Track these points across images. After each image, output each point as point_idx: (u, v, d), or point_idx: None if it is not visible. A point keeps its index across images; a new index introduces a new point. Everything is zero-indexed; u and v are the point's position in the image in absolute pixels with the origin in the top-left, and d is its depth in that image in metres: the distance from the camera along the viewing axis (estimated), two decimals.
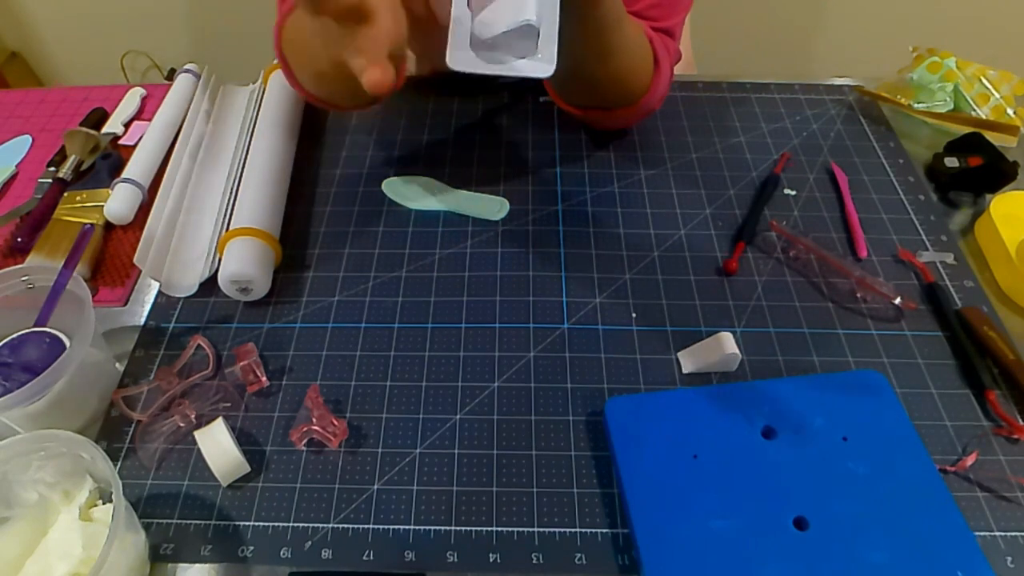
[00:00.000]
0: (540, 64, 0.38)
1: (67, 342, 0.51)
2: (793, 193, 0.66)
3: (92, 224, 0.62)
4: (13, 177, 0.70)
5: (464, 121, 0.74)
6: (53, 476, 0.44)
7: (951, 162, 0.66)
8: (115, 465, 0.45)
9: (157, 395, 0.51)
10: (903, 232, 0.62)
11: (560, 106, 0.69)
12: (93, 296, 0.54)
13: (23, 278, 0.51)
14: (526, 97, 0.76)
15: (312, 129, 0.73)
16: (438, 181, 0.66)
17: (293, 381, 0.53)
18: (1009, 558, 0.43)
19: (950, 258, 0.59)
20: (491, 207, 0.63)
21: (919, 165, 0.69)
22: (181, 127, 0.70)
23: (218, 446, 0.46)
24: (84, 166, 0.69)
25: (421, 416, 0.50)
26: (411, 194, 0.65)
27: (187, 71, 0.76)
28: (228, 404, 0.51)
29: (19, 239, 0.62)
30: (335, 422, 0.49)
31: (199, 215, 0.63)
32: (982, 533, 0.44)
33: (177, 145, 0.67)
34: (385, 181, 0.66)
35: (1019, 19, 1.33)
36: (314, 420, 0.48)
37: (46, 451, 0.42)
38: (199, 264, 0.59)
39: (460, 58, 0.38)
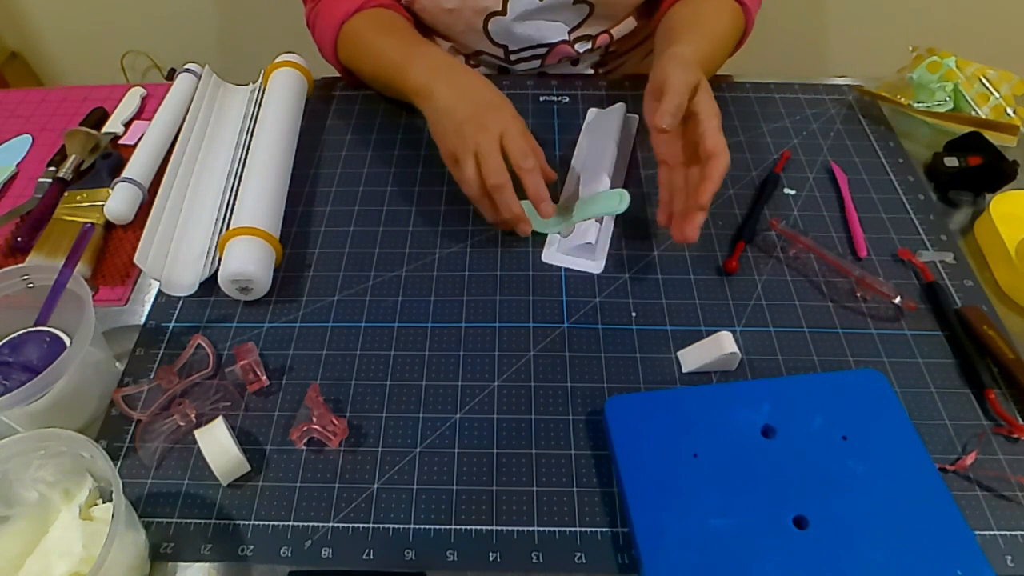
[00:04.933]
0: (593, 263, 0.59)
1: (67, 341, 0.51)
2: (793, 192, 0.66)
3: (92, 223, 0.62)
4: (13, 177, 0.70)
5: None
6: (53, 475, 0.44)
7: (951, 162, 0.66)
8: (115, 464, 0.45)
9: (157, 394, 0.51)
10: (903, 231, 0.62)
11: None
12: (93, 295, 0.54)
13: (23, 277, 0.51)
14: (526, 97, 0.76)
15: (312, 129, 0.73)
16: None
17: (293, 380, 0.53)
18: (1008, 557, 0.43)
19: (950, 257, 0.59)
20: (612, 201, 0.57)
21: (919, 165, 0.69)
22: (181, 127, 0.70)
23: (218, 445, 0.46)
24: (84, 166, 0.69)
25: (421, 415, 0.50)
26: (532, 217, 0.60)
27: (187, 71, 0.76)
28: (228, 403, 0.51)
29: (19, 238, 0.62)
30: (335, 421, 0.49)
31: (199, 214, 0.63)
32: (981, 532, 0.44)
33: (177, 145, 0.67)
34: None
35: (1019, 19, 1.33)
36: (314, 419, 0.48)
37: (46, 450, 0.42)
38: (199, 263, 0.59)
39: (550, 256, 0.60)
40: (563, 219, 0.61)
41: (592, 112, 0.73)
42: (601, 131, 0.68)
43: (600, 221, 0.59)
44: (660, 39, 0.69)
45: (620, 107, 0.69)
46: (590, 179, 0.62)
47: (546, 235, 0.62)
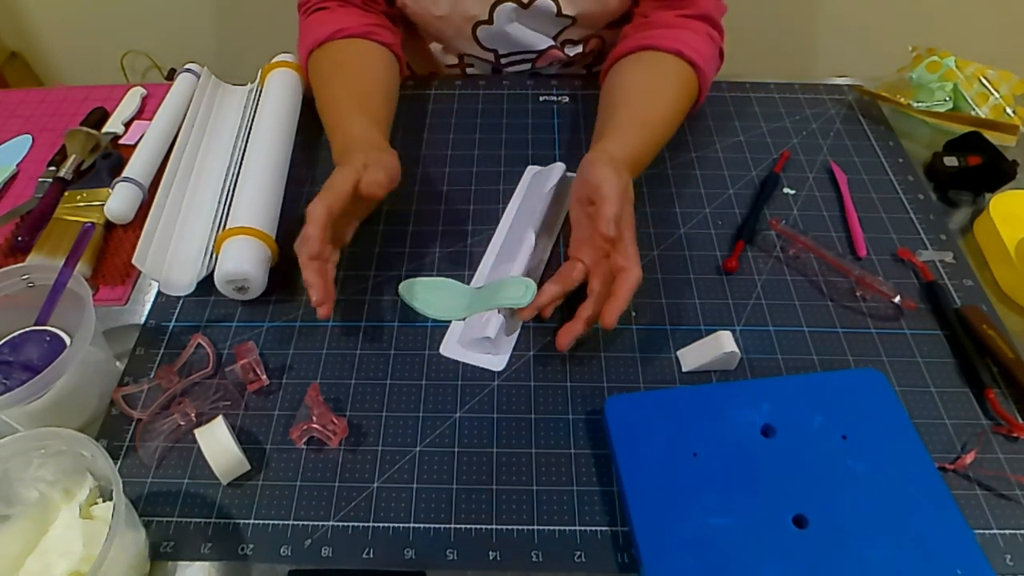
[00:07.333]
0: (495, 359, 0.54)
1: (67, 341, 0.51)
2: (793, 192, 0.66)
3: (92, 223, 0.62)
4: (14, 177, 0.70)
5: (464, 120, 0.74)
6: (54, 474, 0.44)
7: (950, 161, 0.66)
8: (115, 463, 0.45)
9: (157, 393, 0.51)
10: (902, 231, 0.62)
11: None
12: (93, 295, 0.55)
13: (24, 277, 0.51)
14: (526, 96, 0.76)
15: (310, 129, 0.73)
16: (454, 281, 0.58)
17: (293, 379, 0.53)
18: (1008, 556, 0.44)
19: (949, 257, 0.60)
20: (515, 291, 0.53)
21: (919, 164, 0.69)
22: (181, 126, 0.70)
23: (218, 444, 0.46)
24: (84, 165, 0.69)
25: (421, 414, 0.51)
26: (431, 301, 0.57)
27: (187, 71, 0.76)
28: (228, 402, 0.51)
29: (20, 238, 0.62)
30: (335, 420, 0.49)
31: (197, 214, 0.63)
32: (981, 531, 0.45)
33: (176, 144, 0.68)
34: (401, 284, 0.58)
35: (1019, 19, 1.33)
36: (314, 418, 0.48)
37: (46, 449, 0.42)
38: (196, 263, 0.59)
39: (448, 348, 0.54)
40: (468, 306, 0.56)
41: (530, 171, 0.68)
42: (525, 209, 0.62)
43: (503, 312, 0.53)
44: (602, 107, 0.65)
45: (559, 167, 0.63)
46: (504, 259, 0.58)
47: (449, 323, 0.56)
